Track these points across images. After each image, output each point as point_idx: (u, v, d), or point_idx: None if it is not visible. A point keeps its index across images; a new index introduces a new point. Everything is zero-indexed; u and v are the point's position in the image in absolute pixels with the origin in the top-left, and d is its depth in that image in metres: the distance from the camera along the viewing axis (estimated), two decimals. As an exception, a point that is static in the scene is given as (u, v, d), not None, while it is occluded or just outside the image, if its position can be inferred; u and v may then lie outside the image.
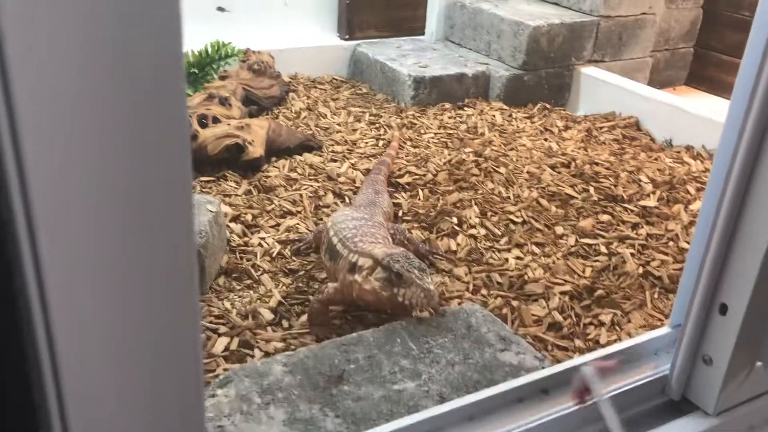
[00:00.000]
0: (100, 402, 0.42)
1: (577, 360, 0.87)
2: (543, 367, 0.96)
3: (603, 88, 2.45)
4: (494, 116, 2.32)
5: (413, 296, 1.10)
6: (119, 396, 0.42)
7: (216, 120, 1.87)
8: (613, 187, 1.86)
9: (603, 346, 1.25)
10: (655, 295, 1.45)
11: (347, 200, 1.74)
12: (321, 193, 1.78)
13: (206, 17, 2.45)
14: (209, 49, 2.06)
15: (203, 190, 1.74)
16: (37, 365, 0.38)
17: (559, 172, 1.93)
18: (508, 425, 0.78)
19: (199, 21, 2.42)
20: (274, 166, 1.89)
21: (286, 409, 0.90)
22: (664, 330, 0.92)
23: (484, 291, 1.42)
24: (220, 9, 2.46)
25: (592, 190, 1.83)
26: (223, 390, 0.93)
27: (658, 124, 2.28)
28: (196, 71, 2.01)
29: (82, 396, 0.40)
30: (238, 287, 1.41)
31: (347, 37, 2.65)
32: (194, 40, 2.29)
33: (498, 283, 1.45)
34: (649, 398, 0.87)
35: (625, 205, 1.78)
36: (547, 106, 2.44)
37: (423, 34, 2.77)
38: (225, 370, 1.09)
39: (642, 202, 1.79)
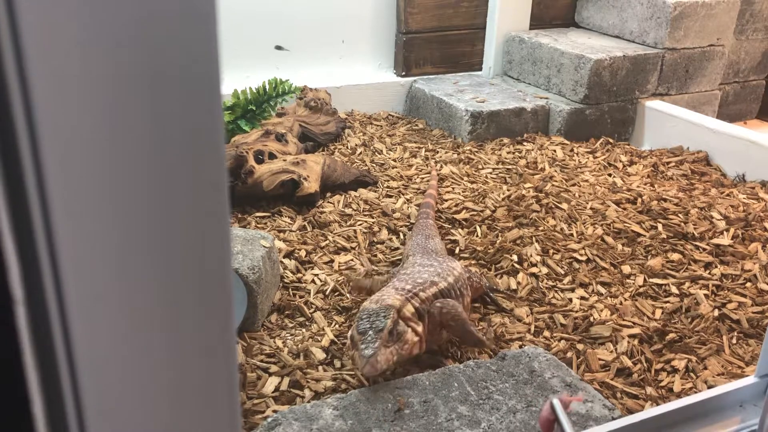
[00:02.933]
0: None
1: (654, 410, 0.80)
2: (613, 417, 0.89)
3: (669, 122, 2.36)
4: (555, 151, 2.26)
5: (356, 362, 1.02)
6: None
7: (272, 156, 1.87)
8: (683, 224, 1.76)
9: (677, 395, 1.15)
10: (734, 340, 1.35)
11: (401, 236, 1.70)
12: (375, 228, 1.74)
13: (265, 55, 2.48)
14: (267, 87, 2.08)
15: (258, 225, 1.73)
16: (60, 404, 0.35)
17: (624, 209, 1.85)
18: (577, 483, 0.71)
19: (258, 59, 2.46)
20: (328, 202, 1.87)
21: (337, 455, 0.85)
22: (750, 380, 0.84)
23: (546, 333, 1.35)
24: (279, 48, 2.49)
25: (660, 227, 1.74)
26: (271, 433, 0.88)
27: (729, 158, 2.17)
28: (254, 108, 2.03)
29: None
30: (291, 325, 1.38)
31: (404, 73, 2.64)
32: (252, 77, 2.32)
33: (561, 324, 1.38)
34: (736, 455, 0.79)
35: (697, 243, 1.68)
36: (610, 140, 2.36)
37: (480, 69, 2.74)
38: (274, 411, 1.05)
39: (715, 240, 1.69)
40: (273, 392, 1.16)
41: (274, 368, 1.21)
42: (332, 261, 1.60)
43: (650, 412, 0.79)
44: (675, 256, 1.62)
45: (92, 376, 0.35)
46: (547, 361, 1.04)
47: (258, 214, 1.78)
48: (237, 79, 2.29)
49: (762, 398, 0.79)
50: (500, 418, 0.91)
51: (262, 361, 1.23)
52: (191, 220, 0.36)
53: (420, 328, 1.12)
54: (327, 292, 1.48)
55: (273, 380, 1.19)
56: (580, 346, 1.30)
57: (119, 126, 0.32)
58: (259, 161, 1.82)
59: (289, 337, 1.33)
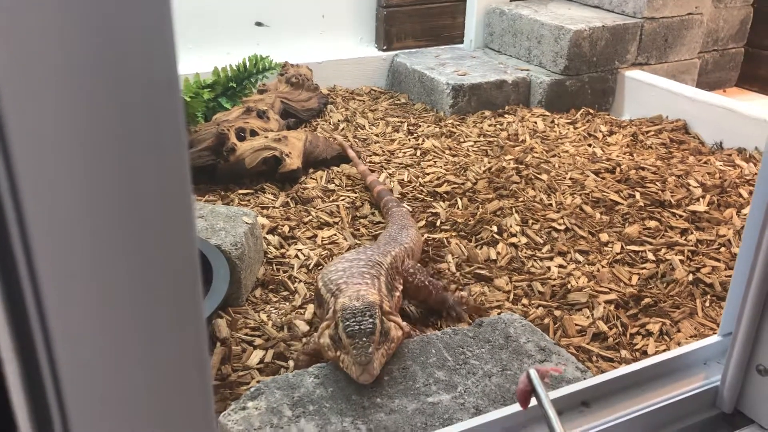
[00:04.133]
0: (104, 413, 0.40)
1: (621, 370, 0.83)
2: (584, 379, 0.92)
3: (648, 92, 2.38)
4: (536, 123, 2.27)
5: (348, 367, 0.95)
6: (122, 413, 0.41)
7: (254, 133, 1.87)
8: (660, 192, 1.79)
9: (650, 356, 1.19)
10: (707, 303, 1.38)
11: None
12: (358, 203, 1.76)
13: (245, 32, 2.47)
14: (247, 63, 2.07)
15: (241, 202, 1.75)
16: (39, 380, 0.37)
17: (603, 178, 1.87)
18: (546, 439, 0.74)
19: (238, 36, 2.45)
20: (311, 178, 1.88)
21: (317, 422, 0.88)
22: (714, 339, 0.87)
23: (525, 300, 1.38)
24: (259, 24, 2.48)
25: (638, 195, 1.77)
26: (253, 402, 0.91)
27: (707, 126, 2.20)
28: (234, 85, 2.03)
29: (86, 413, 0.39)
30: (275, 299, 1.40)
31: (385, 47, 2.64)
32: (233, 54, 2.31)
33: (539, 292, 1.41)
34: (698, 411, 0.82)
35: (674, 211, 1.71)
36: (591, 111, 2.38)
37: (462, 42, 2.75)
38: (258, 382, 1.07)
39: (691, 207, 1.72)
40: (258, 364, 1.19)
41: (258, 341, 1.24)
42: (315, 236, 1.62)
43: (618, 371, 0.82)
44: (652, 224, 1.65)
45: (67, 348, 0.36)
46: (523, 326, 1.07)
47: (241, 191, 1.80)
48: (217, 56, 2.29)
49: (725, 356, 0.82)
50: (476, 382, 0.94)
51: (246, 334, 1.26)
52: (156, 196, 0.38)
53: (400, 320, 1.07)
54: (310, 267, 1.50)
55: (257, 353, 1.21)
56: (557, 313, 1.33)
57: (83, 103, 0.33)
58: (241, 138, 1.83)
59: (274, 311, 1.35)
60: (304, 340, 1.21)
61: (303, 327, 1.28)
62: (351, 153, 1.93)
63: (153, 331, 0.40)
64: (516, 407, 0.76)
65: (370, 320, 0.98)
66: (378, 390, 0.92)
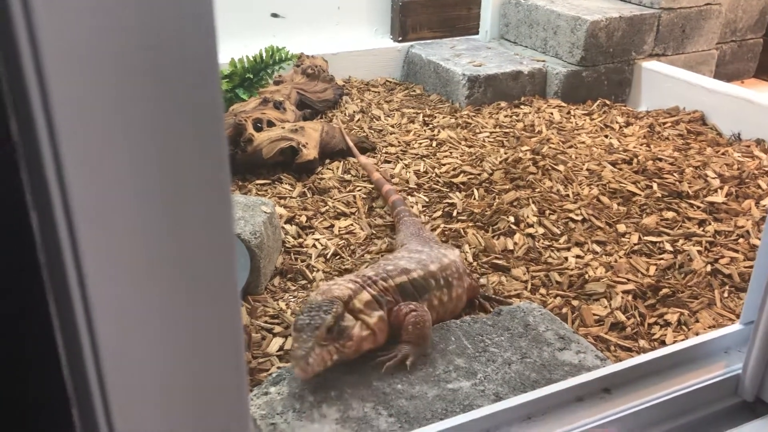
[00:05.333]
0: (144, 400, 0.41)
1: (642, 357, 0.83)
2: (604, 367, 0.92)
3: (665, 83, 2.36)
4: (552, 114, 2.27)
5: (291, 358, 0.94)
6: (162, 394, 0.41)
7: (271, 124, 1.88)
8: (677, 183, 1.78)
9: (669, 345, 1.19)
10: (725, 294, 1.38)
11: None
12: (374, 194, 1.77)
13: (261, 24, 2.48)
14: (264, 54, 2.08)
15: (258, 192, 1.76)
16: (80, 363, 0.38)
17: (620, 169, 1.87)
18: (568, 425, 0.75)
19: (253, 27, 2.45)
20: (327, 168, 1.89)
21: (339, 407, 0.89)
22: (735, 327, 0.87)
23: (542, 290, 1.38)
24: (275, 15, 2.49)
25: (655, 186, 1.77)
26: (275, 388, 0.92)
27: (725, 117, 2.18)
28: (251, 76, 2.04)
29: (126, 394, 0.40)
30: (293, 287, 1.41)
31: (400, 39, 2.64)
32: (249, 46, 2.32)
33: (557, 282, 1.41)
34: (719, 399, 0.83)
35: (691, 202, 1.70)
36: (607, 102, 2.37)
37: (477, 33, 2.74)
38: (278, 368, 1.08)
39: (709, 198, 1.71)
40: (277, 351, 1.20)
41: (278, 329, 1.25)
42: (332, 226, 1.63)
43: (639, 358, 0.82)
44: (669, 215, 1.65)
45: (110, 336, 0.37)
46: (542, 315, 1.07)
47: (258, 181, 1.81)
48: (234, 47, 2.29)
49: (746, 344, 0.82)
50: (496, 370, 0.95)
51: (266, 322, 1.27)
52: (196, 175, 0.38)
53: (374, 320, 1.00)
54: (328, 256, 1.51)
55: (277, 340, 1.22)
56: (575, 303, 1.33)
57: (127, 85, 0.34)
58: (258, 129, 1.84)
59: (292, 300, 1.36)
60: None
61: (322, 315, 1.29)
62: (376, 176, 1.77)
63: (190, 303, 0.40)
64: (537, 393, 0.76)
65: (321, 315, 0.95)
66: (399, 376, 0.93)
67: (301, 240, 1.57)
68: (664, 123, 2.21)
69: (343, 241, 1.56)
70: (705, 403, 0.82)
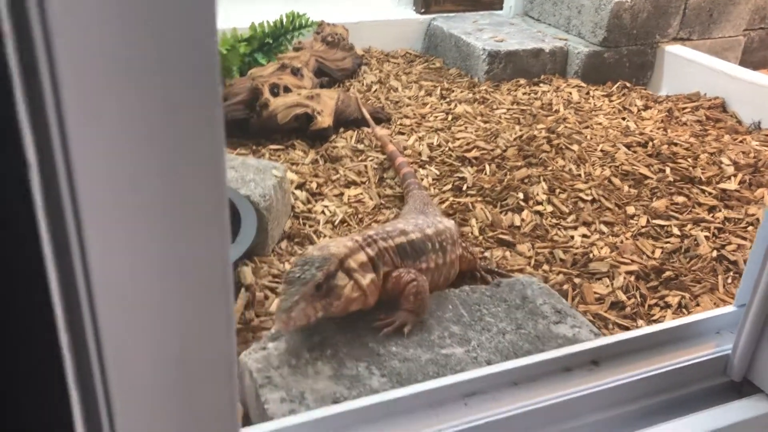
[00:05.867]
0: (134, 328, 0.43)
1: (633, 332, 0.84)
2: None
3: (688, 68, 2.33)
4: (570, 93, 2.25)
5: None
6: (152, 327, 0.43)
7: (287, 89, 1.89)
8: (691, 168, 1.77)
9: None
10: (729, 280, 1.38)
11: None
12: (386, 164, 1.77)
13: (284, -10, 2.47)
14: (284, 20, 2.09)
15: (272, 157, 1.77)
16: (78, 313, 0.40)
17: (634, 152, 1.86)
18: (553, 393, 0.76)
19: (276, -7, 2.45)
20: (341, 137, 1.90)
21: (333, 365, 0.91)
22: (728, 309, 0.88)
23: (545, 267, 1.39)
24: (298, -19, 2.48)
25: (668, 170, 1.76)
26: (273, 344, 0.94)
27: (746, 105, 2.15)
28: (271, 41, 2.04)
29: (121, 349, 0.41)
30: (300, 251, 1.43)
31: (423, 11, 2.62)
32: (270, 12, 2.32)
33: (561, 259, 1.42)
34: (708, 377, 0.84)
35: (703, 187, 1.69)
36: (628, 84, 2.35)
37: (501, 8, 2.72)
38: (279, 327, 1.10)
39: (722, 185, 1.70)
40: (279, 311, 1.22)
41: (281, 288, 1.27)
42: (342, 194, 1.65)
43: (630, 333, 0.83)
44: (680, 199, 1.64)
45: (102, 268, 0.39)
46: (540, 289, 1.08)
47: (272, 146, 1.82)
48: (254, 12, 2.30)
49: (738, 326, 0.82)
50: (490, 338, 0.97)
51: (269, 281, 1.29)
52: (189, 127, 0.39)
53: (366, 282, 0.99)
54: (336, 223, 1.53)
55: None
56: (577, 280, 1.34)
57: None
58: (274, 94, 1.85)
59: (298, 263, 1.39)
60: None
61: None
62: (390, 148, 1.77)
63: (181, 259, 0.42)
64: (525, 360, 0.78)
65: (312, 270, 0.94)
66: (394, 340, 0.95)
67: (310, 206, 1.59)
68: (684, 108, 2.18)
69: (352, 209, 1.58)
70: (693, 380, 0.83)
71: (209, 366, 0.45)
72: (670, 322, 0.85)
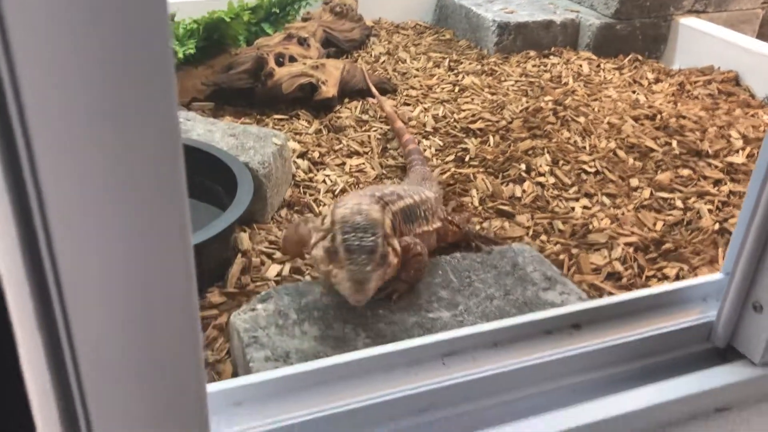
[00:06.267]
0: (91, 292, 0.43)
1: (616, 297, 0.84)
2: (585, 308, 0.93)
3: (703, 41, 2.29)
4: (581, 66, 2.22)
5: (341, 283, 0.88)
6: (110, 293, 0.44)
7: (293, 59, 1.89)
8: (698, 141, 1.75)
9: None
10: (729, 253, 1.36)
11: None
12: (390, 135, 1.77)
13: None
14: (292, -10, 2.08)
15: (275, 127, 1.78)
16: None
17: (642, 124, 1.84)
18: (533, 355, 0.76)
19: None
20: (346, 107, 1.90)
21: (320, 326, 0.92)
22: (716, 276, 0.87)
23: (543, 237, 1.39)
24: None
25: (675, 143, 1.74)
26: (262, 305, 0.96)
27: (760, 79, 2.11)
28: (278, 11, 2.03)
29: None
30: (300, 219, 1.44)
31: (434, -18, 2.59)
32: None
33: (559, 230, 1.41)
34: (691, 344, 0.83)
35: (710, 161, 1.67)
36: (640, 57, 2.32)
37: (513, -20, 2.67)
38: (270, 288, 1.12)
39: (729, 159, 1.68)
40: (275, 276, 1.23)
41: (277, 255, 1.29)
42: (344, 164, 1.65)
43: (613, 298, 0.83)
44: (685, 172, 1.62)
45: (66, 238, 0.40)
46: (532, 256, 1.08)
47: (276, 116, 1.83)
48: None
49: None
50: (477, 303, 0.97)
51: (266, 248, 1.30)
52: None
53: (399, 248, 0.97)
54: (336, 192, 1.53)
55: (275, 267, 1.26)
56: (574, 251, 1.34)
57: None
58: (280, 64, 1.85)
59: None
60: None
61: (322, 246, 1.32)
62: (398, 124, 1.73)
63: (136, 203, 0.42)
64: (508, 321, 0.78)
65: (372, 238, 0.91)
66: (381, 303, 0.96)
67: (311, 175, 1.59)
68: (696, 82, 2.15)
69: (353, 178, 1.58)
70: (676, 346, 0.82)
71: (170, 312, 0.46)
72: (655, 288, 0.85)
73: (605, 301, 0.82)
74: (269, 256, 1.28)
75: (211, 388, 0.67)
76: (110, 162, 0.40)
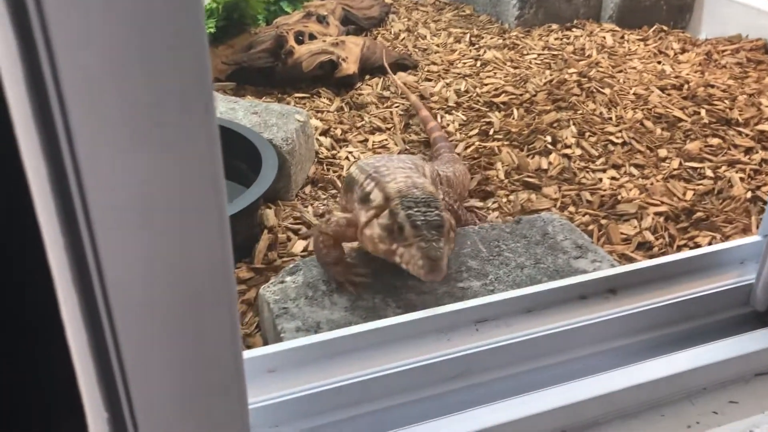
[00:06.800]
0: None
1: (653, 261, 0.82)
2: (618, 275, 0.91)
3: (729, 9, 2.23)
4: (604, 38, 2.19)
5: (410, 261, 0.83)
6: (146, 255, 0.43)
7: (312, 37, 1.88)
8: (728, 110, 1.71)
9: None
10: (763, 221, 1.33)
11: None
12: (412, 111, 1.75)
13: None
14: (310, -32, 2.06)
15: (297, 105, 1.77)
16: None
17: (668, 94, 1.80)
18: (567, 320, 0.75)
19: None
20: (367, 84, 1.88)
21: (350, 297, 0.91)
22: (753, 239, 0.85)
23: (571, 208, 1.37)
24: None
25: (703, 112, 1.70)
26: (291, 277, 0.95)
27: (790, 46, 2.06)
28: (296, -11, 2.02)
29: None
30: (324, 196, 1.43)
31: (452, -43, 2.56)
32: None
33: (588, 201, 1.39)
34: (730, 307, 0.81)
35: (740, 129, 1.63)
36: (665, 28, 2.27)
37: (533, -47, 2.63)
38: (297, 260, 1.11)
39: (760, 126, 1.64)
40: (301, 252, 1.23)
41: (304, 230, 1.28)
42: (367, 140, 1.64)
43: (649, 262, 0.81)
44: (715, 141, 1.59)
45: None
46: (561, 225, 1.07)
47: (297, 95, 1.82)
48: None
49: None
50: (507, 273, 0.96)
51: (292, 224, 1.30)
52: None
53: (453, 221, 0.93)
54: (360, 168, 1.52)
55: (301, 242, 1.25)
56: (603, 221, 1.32)
57: None
58: (299, 42, 1.84)
59: (321, 207, 1.39)
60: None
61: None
62: (423, 113, 1.67)
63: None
64: (541, 286, 0.77)
65: (436, 212, 0.86)
66: (411, 276, 0.95)
67: (334, 152, 1.58)
68: (723, 51, 2.10)
69: (376, 154, 1.57)
70: (714, 310, 0.80)
71: (209, 283, 0.44)
72: (691, 251, 0.83)
73: (641, 265, 0.81)
74: (295, 232, 1.28)
75: (246, 355, 0.66)
76: (140, 110, 0.39)
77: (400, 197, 0.88)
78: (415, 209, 0.86)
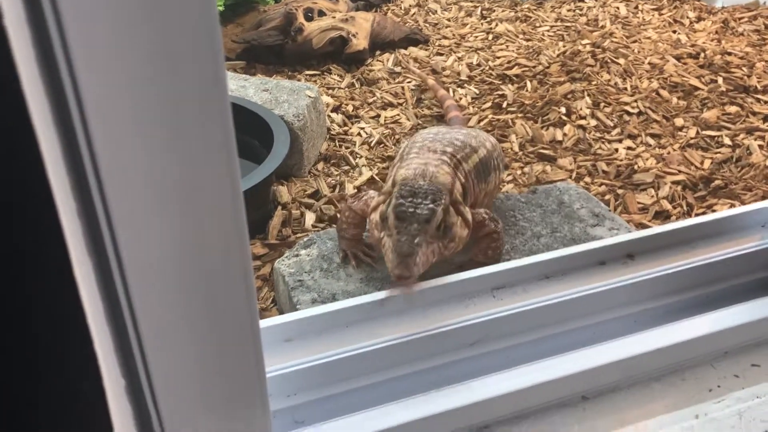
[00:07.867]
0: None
1: (671, 225, 0.81)
2: (636, 241, 0.90)
3: (746, -25, 2.19)
4: (618, 8, 2.15)
5: (386, 254, 0.76)
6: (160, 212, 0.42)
7: (322, 13, 1.86)
8: (746, 77, 1.68)
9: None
10: (783, 187, 1.31)
11: (451, 93, 1.69)
12: (423, 86, 1.74)
13: None
14: (318, -56, 2.03)
15: (307, 82, 1.75)
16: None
17: (684, 63, 1.77)
18: (585, 285, 0.74)
19: None
20: (378, 60, 1.86)
21: (365, 269, 0.90)
22: (775, 201, 0.83)
23: (587, 179, 1.35)
24: None
25: (720, 80, 1.67)
26: (306, 250, 0.95)
27: (809, 12, 2.02)
28: (304, -34, 2.00)
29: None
30: (336, 172, 1.42)
31: (462, -70, 2.52)
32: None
33: (604, 171, 1.37)
34: (753, 270, 0.80)
35: (758, 96, 1.60)
36: (680, -3, 2.23)
37: (544, -76, 2.58)
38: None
39: (779, 93, 1.61)
40: (314, 224, 1.23)
41: (316, 205, 1.28)
42: (378, 116, 1.62)
43: (667, 226, 0.80)
44: (733, 109, 1.56)
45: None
46: (578, 194, 1.05)
47: (308, 72, 1.80)
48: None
49: (785, 218, 0.78)
50: (524, 242, 0.95)
51: (305, 200, 1.29)
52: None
53: (470, 218, 0.84)
54: (372, 144, 1.51)
55: (313, 216, 1.25)
56: (620, 191, 1.30)
57: None
58: (309, 19, 1.82)
59: (334, 183, 1.38)
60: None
61: (350, 190, 1.32)
62: (441, 93, 1.61)
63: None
64: (556, 253, 0.76)
65: (431, 205, 0.78)
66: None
67: (346, 128, 1.57)
68: (741, 18, 2.06)
69: (389, 130, 1.56)
70: (736, 274, 0.79)
71: (222, 254, 0.44)
72: (711, 215, 0.82)
73: (660, 229, 0.79)
74: (308, 207, 1.27)
75: (263, 324, 0.66)
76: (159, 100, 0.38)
77: (402, 185, 0.82)
78: (409, 199, 0.79)
